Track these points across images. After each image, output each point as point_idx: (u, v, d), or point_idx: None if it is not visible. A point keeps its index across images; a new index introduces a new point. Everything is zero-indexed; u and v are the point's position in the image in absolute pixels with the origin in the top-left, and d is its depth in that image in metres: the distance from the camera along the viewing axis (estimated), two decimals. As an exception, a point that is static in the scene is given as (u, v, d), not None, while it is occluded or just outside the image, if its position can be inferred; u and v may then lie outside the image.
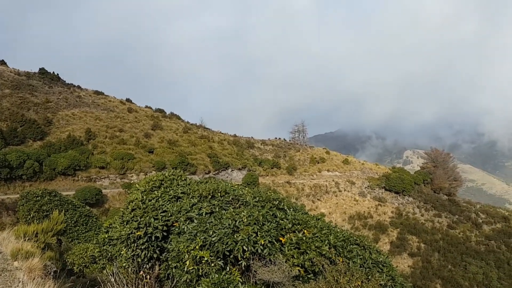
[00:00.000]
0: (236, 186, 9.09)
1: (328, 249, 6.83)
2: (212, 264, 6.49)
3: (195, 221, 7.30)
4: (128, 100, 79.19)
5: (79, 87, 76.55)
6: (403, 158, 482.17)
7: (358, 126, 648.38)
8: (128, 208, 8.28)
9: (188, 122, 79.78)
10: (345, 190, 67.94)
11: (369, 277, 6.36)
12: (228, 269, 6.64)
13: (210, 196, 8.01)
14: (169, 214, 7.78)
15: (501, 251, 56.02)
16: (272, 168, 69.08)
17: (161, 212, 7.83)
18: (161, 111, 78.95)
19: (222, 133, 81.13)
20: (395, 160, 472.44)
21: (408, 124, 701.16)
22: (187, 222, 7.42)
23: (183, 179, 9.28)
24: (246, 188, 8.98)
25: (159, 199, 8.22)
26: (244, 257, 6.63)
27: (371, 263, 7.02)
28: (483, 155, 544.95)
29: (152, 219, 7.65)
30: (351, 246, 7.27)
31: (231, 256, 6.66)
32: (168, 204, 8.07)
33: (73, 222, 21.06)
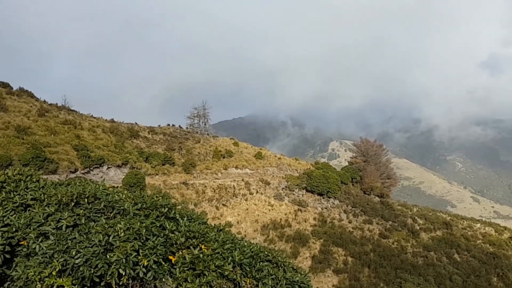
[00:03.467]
0: (111, 189, 8.83)
1: (231, 269, 6.90)
2: (76, 296, 6.24)
3: (52, 237, 6.95)
4: (-45, 69, 72.91)
5: None
6: (328, 151, 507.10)
7: (272, 111, 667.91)
8: (-48, 222, 7.63)
9: (45, 101, 75.69)
10: (257, 192, 69.53)
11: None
12: (98, 301, 6.43)
13: (73, 203, 7.68)
14: (14, 229, 7.31)
15: (442, 264, 61.22)
16: (163, 164, 68.32)
17: (1, 227, 7.33)
18: (5, 85, 73.78)
19: (95, 118, 78.45)
20: (318, 154, 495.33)
21: (332, 108, 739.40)
22: (39, 240, 7.03)
23: (35, 180, 8.78)
24: (125, 192, 8.77)
25: (-1, 209, 7.69)
26: (121, 283, 6.46)
27: (286, 284, 7.24)
28: (420, 147, 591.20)
29: (-11, 237, 7.15)
30: (261, 263, 7.42)
31: (103, 284, 6.45)
32: (12, 215, 7.58)
33: None
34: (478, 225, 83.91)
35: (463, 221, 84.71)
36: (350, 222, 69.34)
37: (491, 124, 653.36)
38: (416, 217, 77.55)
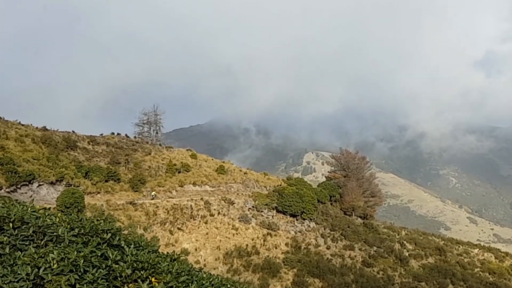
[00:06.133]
0: (42, 211, 8.67)
1: (188, 306, 6.85)
2: None
3: (-31, 271, 6.78)
4: None
5: None
6: (302, 164, 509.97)
7: (234, 117, 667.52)
8: None
9: (-38, 106, 74.38)
10: (219, 213, 69.34)
11: None
12: None
13: (-5, 229, 7.51)
14: None
15: (434, 296, 62.17)
16: (106, 181, 67.57)
17: None
18: None
19: (23, 125, 77.18)
20: (291, 167, 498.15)
21: (303, 113, 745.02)
22: (-46, 273, 6.85)
23: None
24: (60, 214, 8.62)
25: None
26: (53, 325, 6.34)
27: (253, 323, 7.23)
28: (408, 160, 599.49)
29: None
30: (223, 299, 7.39)
31: (31, 326, 6.32)
32: None
33: None
34: (476, 250, 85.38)
35: (459, 246, 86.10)
36: (328, 248, 69.72)
37: (487, 132, 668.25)
38: (404, 242, 78.48)
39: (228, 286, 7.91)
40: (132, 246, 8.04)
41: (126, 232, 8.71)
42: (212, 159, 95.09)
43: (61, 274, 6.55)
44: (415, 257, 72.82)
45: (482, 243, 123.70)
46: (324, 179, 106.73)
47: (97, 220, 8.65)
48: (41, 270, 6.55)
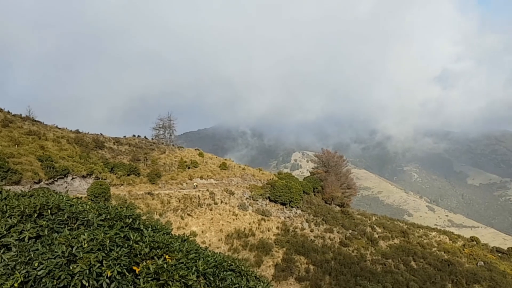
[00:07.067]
0: (75, 199, 8.63)
1: (195, 279, 6.82)
2: (38, 308, 6.05)
3: (14, 249, 6.73)
4: None
5: None
6: (291, 162, 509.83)
7: (234, 122, 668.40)
8: None
9: (9, 112, 73.90)
10: (222, 202, 69.25)
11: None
12: (60, 313, 6.24)
13: (36, 214, 7.47)
14: (-25, 241, 7.06)
15: (399, 272, 62.09)
16: (129, 175, 67.43)
17: (-38, 239, 7.06)
18: (-31, 95, 71.91)
19: (59, 128, 76.95)
20: (281, 164, 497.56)
21: (291, 120, 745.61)
22: (1, 251, 6.80)
23: (-3, 191, 8.51)
24: (89, 202, 8.59)
25: (-41, 220, 7.41)
26: (84, 295, 6.30)
27: (249, 293, 7.20)
28: (378, 158, 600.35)
29: None
30: (224, 273, 7.36)
31: (66, 295, 6.28)
32: (-27, 227, 7.32)
33: None
34: (434, 233, 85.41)
35: (419, 230, 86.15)
36: (312, 231, 69.67)
37: (442, 136, 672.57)
38: (375, 226, 78.49)
39: (229, 262, 7.89)
40: (149, 229, 8.02)
41: (144, 217, 8.69)
42: (216, 157, 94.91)
43: (91, 252, 6.54)
44: (383, 238, 72.83)
45: (438, 227, 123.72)
46: (308, 174, 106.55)
47: (121, 207, 8.63)
48: (74, 249, 6.54)
